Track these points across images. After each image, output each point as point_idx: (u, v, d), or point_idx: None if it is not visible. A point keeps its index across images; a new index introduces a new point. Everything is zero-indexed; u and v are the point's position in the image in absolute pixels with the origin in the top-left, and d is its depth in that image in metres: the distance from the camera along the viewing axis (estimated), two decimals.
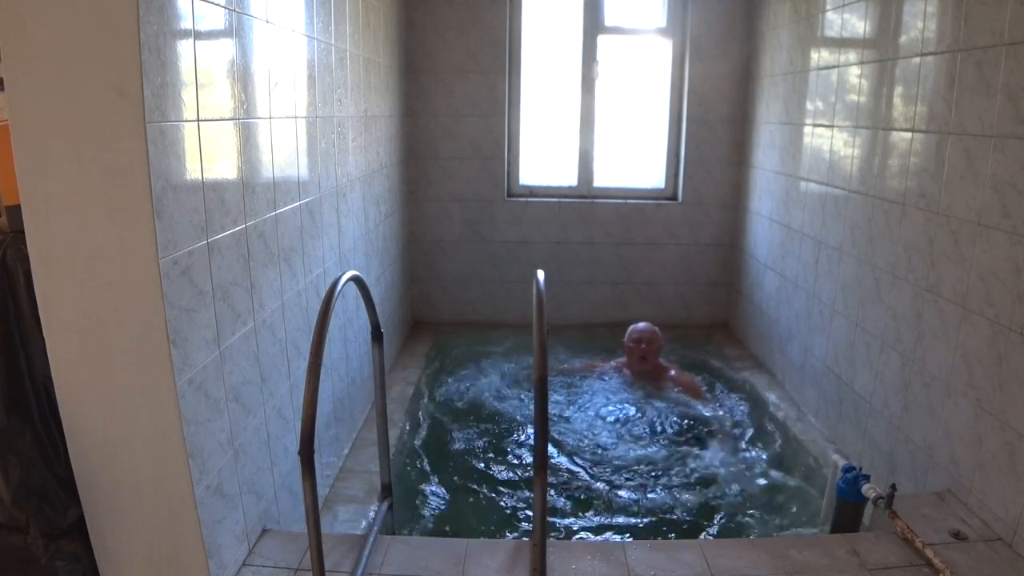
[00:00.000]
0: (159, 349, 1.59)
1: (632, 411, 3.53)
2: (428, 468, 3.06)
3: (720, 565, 2.01)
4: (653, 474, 3.00)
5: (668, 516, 2.73)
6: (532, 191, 4.80)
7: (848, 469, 2.33)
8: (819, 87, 3.45)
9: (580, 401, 3.66)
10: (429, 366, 4.18)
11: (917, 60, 2.58)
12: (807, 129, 3.59)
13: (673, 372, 3.86)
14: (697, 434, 3.32)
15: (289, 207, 2.35)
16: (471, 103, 4.54)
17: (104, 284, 1.55)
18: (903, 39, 2.69)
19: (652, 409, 3.54)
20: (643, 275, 4.84)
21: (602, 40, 4.55)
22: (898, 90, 2.73)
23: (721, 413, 3.57)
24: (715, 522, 2.70)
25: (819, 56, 3.46)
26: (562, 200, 4.73)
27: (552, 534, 2.59)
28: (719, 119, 4.57)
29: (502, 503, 2.83)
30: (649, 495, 2.85)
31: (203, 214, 1.75)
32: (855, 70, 3.07)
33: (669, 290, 4.87)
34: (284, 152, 2.30)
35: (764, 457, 3.15)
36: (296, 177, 2.42)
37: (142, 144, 1.48)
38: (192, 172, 1.70)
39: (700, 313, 4.92)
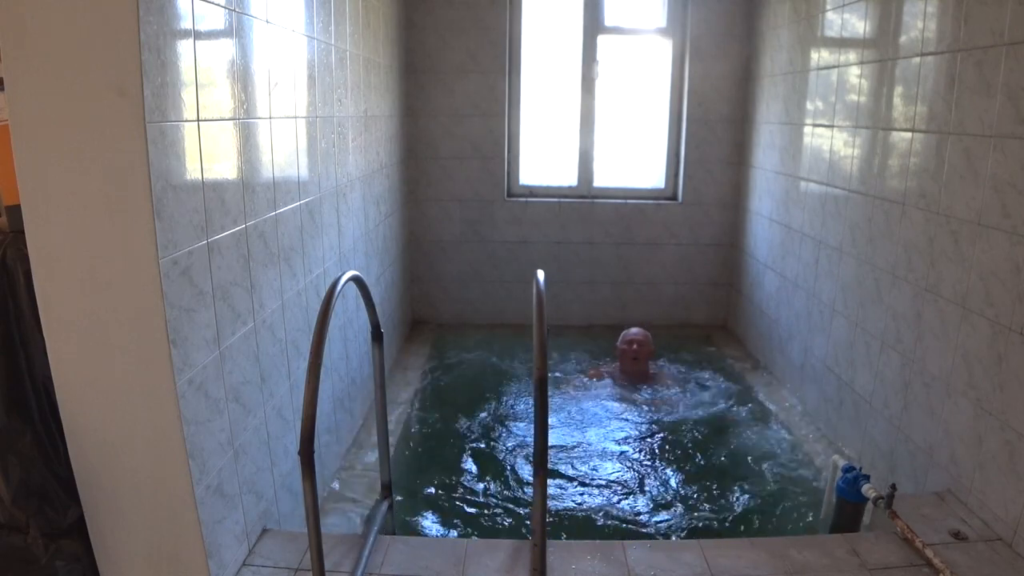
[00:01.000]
0: (159, 349, 1.59)
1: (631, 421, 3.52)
2: (428, 468, 3.06)
3: (720, 565, 2.01)
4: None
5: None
6: (532, 191, 4.80)
7: (848, 469, 2.33)
8: (819, 87, 3.45)
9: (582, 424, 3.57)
10: (429, 366, 4.18)
11: (917, 60, 2.58)
12: (807, 129, 3.59)
13: (658, 371, 4.04)
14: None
15: (289, 207, 2.35)
16: (471, 103, 4.54)
17: (104, 284, 1.55)
18: (903, 39, 2.69)
19: (644, 410, 3.58)
20: (643, 275, 4.84)
21: (602, 40, 4.55)
22: (898, 90, 2.73)
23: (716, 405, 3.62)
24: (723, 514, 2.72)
25: (819, 56, 3.46)
26: (562, 200, 4.73)
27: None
28: (719, 119, 4.57)
29: (502, 503, 2.83)
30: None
31: (203, 214, 1.74)
32: (855, 70, 3.07)
33: (669, 290, 4.87)
34: (284, 152, 2.30)
35: (763, 458, 3.15)
36: (296, 177, 2.42)
37: (142, 144, 1.48)
38: (192, 172, 1.70)
39: (700, 313, 4.92)
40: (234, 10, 1.87)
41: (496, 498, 2.86)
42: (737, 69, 4.47)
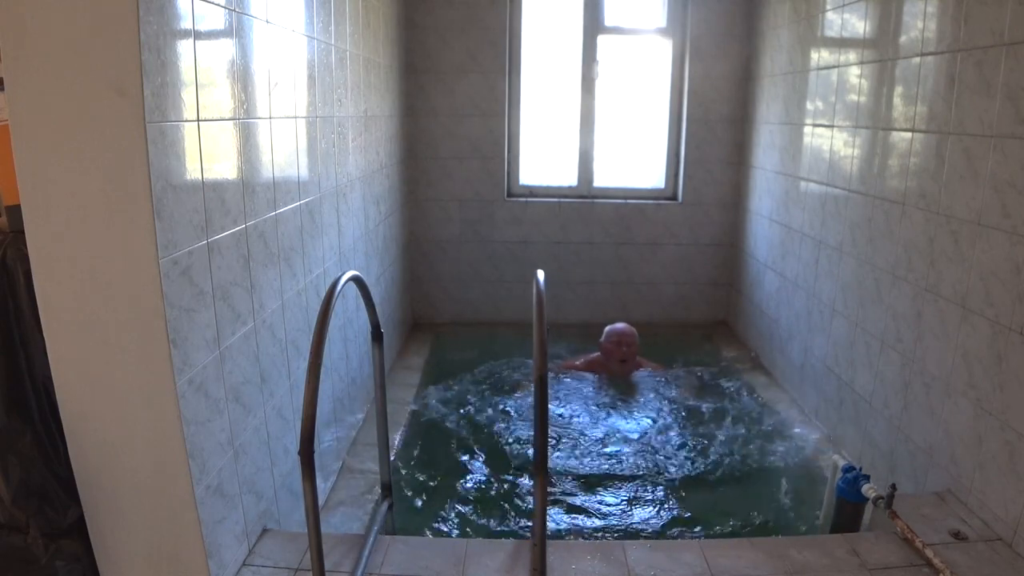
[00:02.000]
0: (159, 349, 1.59)
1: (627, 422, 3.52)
2: (428, 468, 3.06)
3: (720, 565, 2.01)
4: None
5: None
6: (532, 191, 4.80)
7: (848, 469, 2.33)
8: (819, 87, 3.45)
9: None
10: (429, 366, 4.17)
11: (917, 60, 2.58)
12: (807, 129, 3.59)
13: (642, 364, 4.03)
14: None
15: (289, 207, 2.35)
16: (471, 103, 4.54)
17: (104, 284, 1.55)
18: (903, 39, 2.69)
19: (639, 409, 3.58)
20: (643, 275, 4.84)
21: (602, 40, 4.55)
22: (898, 90, 2.73)
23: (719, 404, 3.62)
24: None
25: (819, 56, 3.46)
26: (562, 200, 4.73)
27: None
28: (719, 119, 4.57)
29: (502, 503, 2.83)
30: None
31: (203, 214, 1.74)
32: (855, 70, 3.07)
33: (669, 290, 4.87)
34: (284, 152, 2.30)
35: (763, 456, 3.15)
36: (296, 177, 2.42)
37: (142, 144, 1.48)
38: (192, 172, 1.70)
39: (700, 313, 4.92)
40: (234, 10, 1.87)
41: (496, 498, 2.86)
42: (737, 69, 4.47)
